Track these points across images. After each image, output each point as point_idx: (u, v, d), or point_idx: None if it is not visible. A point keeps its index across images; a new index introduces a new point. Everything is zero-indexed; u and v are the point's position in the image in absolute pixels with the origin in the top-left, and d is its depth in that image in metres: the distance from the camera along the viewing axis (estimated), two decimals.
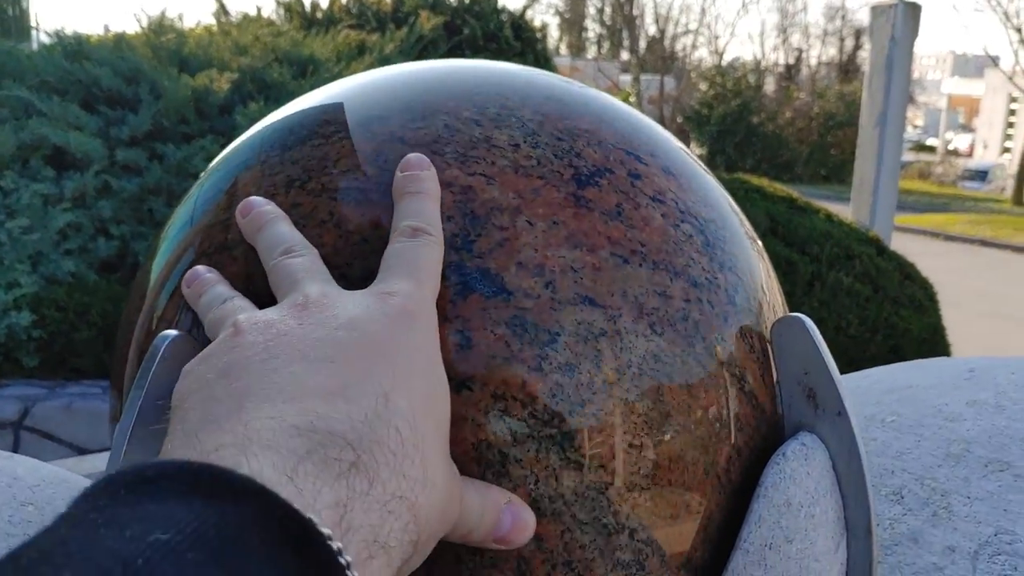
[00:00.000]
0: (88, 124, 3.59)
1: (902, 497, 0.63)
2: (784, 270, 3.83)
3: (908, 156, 27.01)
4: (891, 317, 3.77)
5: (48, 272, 3.39)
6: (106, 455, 1.17)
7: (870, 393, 0.76)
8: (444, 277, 0.43)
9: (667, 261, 0.46)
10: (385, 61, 4.59)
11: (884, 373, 0.80)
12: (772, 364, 0.50)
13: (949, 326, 4.01)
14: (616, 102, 0.57)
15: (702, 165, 0.58)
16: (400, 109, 0.50)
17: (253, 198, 0.46)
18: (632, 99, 25.96)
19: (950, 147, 31.48)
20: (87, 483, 0.61)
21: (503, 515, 0.40)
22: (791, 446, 0.47)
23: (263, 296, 0.43)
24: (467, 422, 0.41)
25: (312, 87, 2.74)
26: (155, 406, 0.43)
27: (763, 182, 4.53)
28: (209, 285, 0.44)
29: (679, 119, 24.51)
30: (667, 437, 0.44)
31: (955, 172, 23.67)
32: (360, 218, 0.45)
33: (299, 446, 0.32)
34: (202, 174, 0.57)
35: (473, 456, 0.41)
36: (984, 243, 13.71)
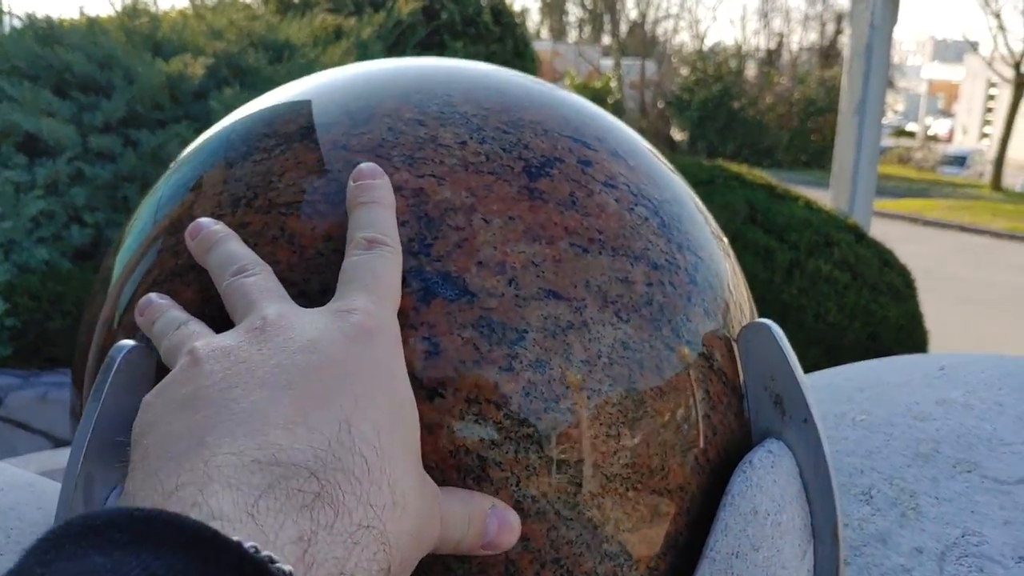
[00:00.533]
0: (61, 110, 3.54)
1: (871, 497, 0.62)
2: (763, 257, 3.84)
3: (888, 141, 27.15)
4: (869, 304, 3.78)
5: (21, 260, 3.35)
6: None
7: (842, 390, 0.76)
8: (405, 283, 0.42)
9: (626, 246, 0.46)
10: (363, 46, 4.56)
11: (856, 370, 0.79)
12: (739, 366, 0.49)
13: (926, 312, 4.03)
14: (559, 90, 0.56)
15: (653, 150, 0.57)
16: (341, 115, 0.49)
17: (201, 219, 0.45)
18: (613, 83, 25.94)
19: (929, 132, 31.67)
20: (53, 487, 0.60)
21: (489, 520, 0.39)
22: (758, 454, 0.46)
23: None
24: (442, 429, 0.40)
25: (288, 72, 2.72)
26: (112, 419, 0.41)
27: (742, 169, 4.54)
28: (162, 311, 0.43)
29: (660, 104, 24.51)
30: (643, 423, 0.43)
31: (934, 158, 23.82)
32: (312, 232, 0.44)
33: (261, 481, 0.31)
34: (160, 179, 0.56)
35: (452, 463, 0.40)
36: (963, 228, 13.81)
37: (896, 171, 22.02)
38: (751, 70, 24.61)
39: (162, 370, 0.42)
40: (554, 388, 0.42)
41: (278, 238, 0.44)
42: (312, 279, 0.43)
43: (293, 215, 0.45)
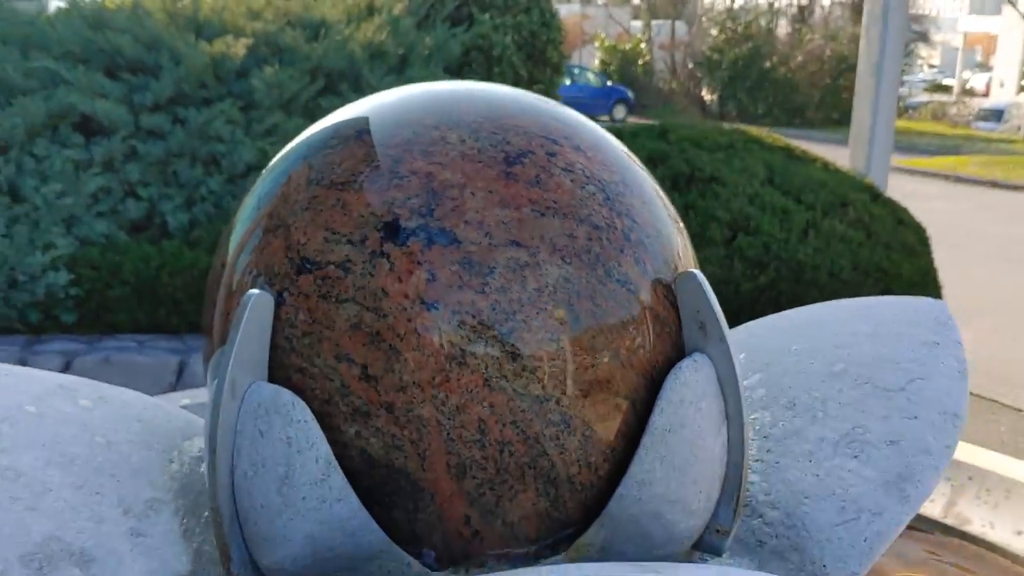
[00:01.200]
0: (112, 91, 3.77)
1: (794, 404, 0.83)
2: (780, 218, 4.00)
3: (922, 97, 26.74)
4: (883, 262, 3.93)
5: (82, 234, 3.60)
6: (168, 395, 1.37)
7: (787, 329, 0.96)
8: (415, 235, 0.63)
9: (573, 212, 0.66)
10: (394, 22, 4.73)
11: (800, 312, 0.99)
12: (676, 305, 0.70)
13: (953, 268, 4.14)
14: (547, 101, 0.76)
15: (622, 148, 0.76)
16: (380, 123, 0.70)
17: None
18: (643, 45, 25.73)
19: (967, 87, 31.10)
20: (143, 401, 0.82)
21: None
22: (686, 362, 0.67)
23: (310, 257, 0.63)
24: (437, 330, 0.61)
25: (324, 50, 2.93)
26: (247, 341, 0.63)
27: (762, 133, 4.67)
28: None
29: (690, 65, 24.35)
30: (577, 334, 0.64)
31: (969, 113, 23.46)
32: (356, 200, 0.65)
33: None
34: (263, 171, 0.76)
35: (442, 353, 0.61)
36: (995, 184, 13.72)
37: (930, 127, 21.76)
38: (782, 28, 24.29)
39: (278, 309, 0.63)
40: (512, 306, 0.62)
41: (335, 205, 0.65)
42: (355, 233, 0.64)
43: (346, 190, 0.66)
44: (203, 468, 0.80)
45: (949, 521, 1.48)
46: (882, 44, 4.40)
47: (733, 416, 0.68)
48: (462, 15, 5.50)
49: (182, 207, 3.82)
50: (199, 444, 0.85)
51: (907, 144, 18.43)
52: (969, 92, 29.64)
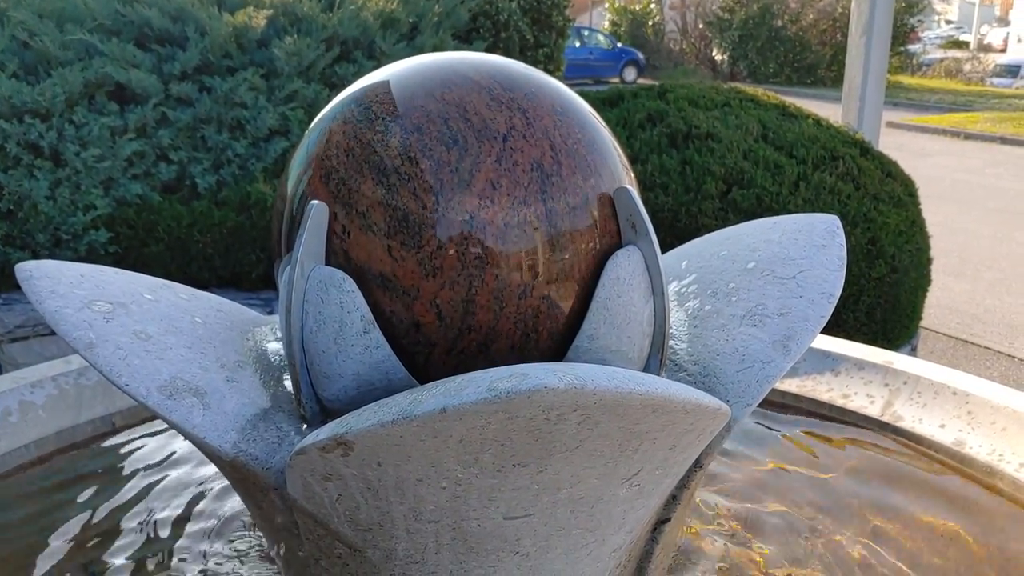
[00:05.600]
0: (144, 62, 4.02)
1: (716, 293, 1.09)
2: (773, 172, 4.23)
3: (937, 54, 26.58)
4: (870, 212, 4.16)
5: (119, 195, 3.88)
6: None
7: (719, 240, 1.22)
8: (426, 166, 0.88)
9: (546, 151, 0.91)
10: None
11: (731, 229, 1.25)
12: (615, 212, 0.95)
13: (960, 223, 4.35)
14: (539, 74, 1.01)
15: (591, 113, 1.02)
16: (395, 87, 0.95)
17: None
18: (653, 6, 25.64)
19: (984, 42, 30.84)
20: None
21: None
22: (621, 251, 0.93)
23: (349, 184, 0.89)
24: (444, 232, 0.87)
25: (339, 20, 3.22)
26: (309, 237, 0.89)
27: (757, 92, 4.89)
28: None
29: (700, 24, 24.30)
30: (546, 230, 0.89)
31: (985, 69, 23.37)
32: (383, 141, 0.91)
33: None
34: (310, 126, 1.02)
35: (449, 248, 0.86)
36: (1004, 140, 13.83)
37: (942, 84, 21.74)
38: None
39: (330, 220, 0.90)
40: (502, 214, 0.88)
41: (365, 147, 0.91)
42: (388, 162, 0.89)
43: (377, 134, 0.91)
44: (276, 336, 1.07)
45: (885, 418, 1.75)
46: (872, 2, 4.59)
47: (657, 292, 0.94)
48: None
49: (210, 169, 4.09)
50: (264, 330, 1.12)
51: (919, 101, 18.47)
52: (986, 48, 29.39)
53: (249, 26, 4.20)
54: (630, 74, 24.00)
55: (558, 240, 0.90)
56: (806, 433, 1.77)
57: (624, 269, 0.92)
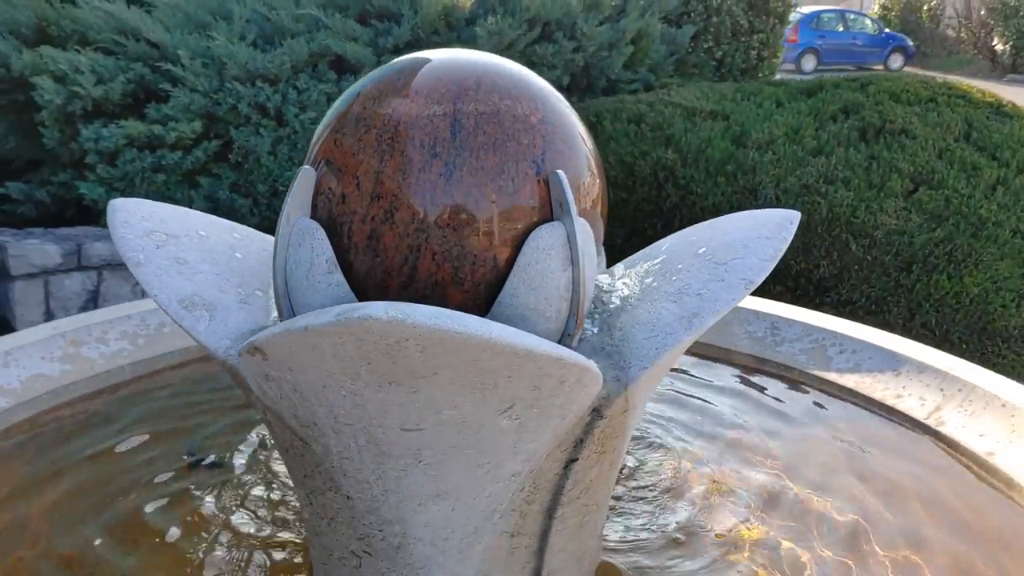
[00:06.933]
0: (362, 36, 4.47)
1: (666, 273, 1.22)
2: (968, 173, 4.02)
3: None
4: None
5: None
6: None
7: (701, 228, 1.33)
8: (405, 137, 1.08)
9: (519, 135, 1.09)
10: None
11: (720, 218, 1.35)
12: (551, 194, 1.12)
13: None
14: (522, 69, 1.19)
15: (567, 108, 1.18)
16: (398, 73, 1.16)
17: None
18: None
19: None
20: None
21: None
22: (545, 225, 1.09)
23: (344, 147, 1.12)
24: (415, 199, 1.08)
25: (543, 2, 3.52)
26: (297, 190, 1.12)
27: (971, 89, 4.62)
28: None
29: (983, 11, 22.39)
30: (493, 202, 1.07)
31: None
32: (405, 101, 1.11)
33: None
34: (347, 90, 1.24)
35: (416, 213, 1.07)
36: None
37: None
38: None
39: (318, 180, 1.13)
40: (463, 186, 1.06)
41: (385, 105, 1.12)
42: (370, 134, 1.10)
43: (400, 96, 1.12)
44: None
45: (929, 422, 1.77)
46: None
47: (575, 262, 1.09)
48: None
49: None
50: None
51: None
52: None
53: (457, 5, 4.53)
54: (896, 61, 22.60)
55: (507, 212, 1.08)
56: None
57: (544, 240, 1.09)
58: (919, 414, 1.78)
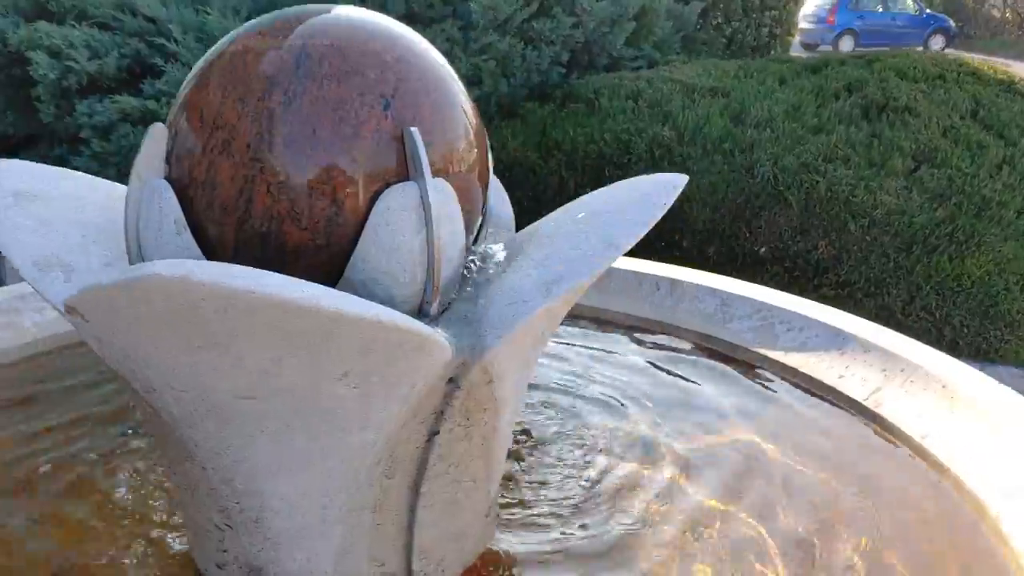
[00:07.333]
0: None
1: (542, 240, 1.16)
2: (973, 151, 3.90)
3: None
4: None
5: None
6: None
7: (593, 194, 1.27)
8: (264, 95, 1.04)
9: (366, 88, 1.04)
10: None
11: (616, 184, 1.29)
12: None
13: None
14: (407, 31, 1.14)
15: (442, 64, 1.13)
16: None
17: None
18: None
19: None
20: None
21: None
22: (397, 186, 1.04)
23: (216, 116, 1.08)
24: (269, 158, 1.03)
25: None
26: (147, 150, 1.08)
27: (983, 66, 4.47)
28: None
29: None
30: (362, 169, 1.02)
31: None
32: (245, 47, 1.07)
33: None
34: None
35: (272, 170, 1.02)
36: None
37: None
38: None
39: (171, 140, 1.08)
40: (308, 145, 1.02)
41: (238, 44, 1.08)
42: (236, 90, 1.05)
43: (255, 36, 1.08)
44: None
45: (868, 403, 1.71)
46: None
47: (428, 223, 1.04)
48: None
49: None
50: None
51: None
52: None
53: None
54: (937, 43, 22.04)
55: (348, 146, 1.03)
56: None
57: (395, 201, 1.03)
58: (860, 394, 1.71)
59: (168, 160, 1.10)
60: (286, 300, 0.83)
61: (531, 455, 1.59)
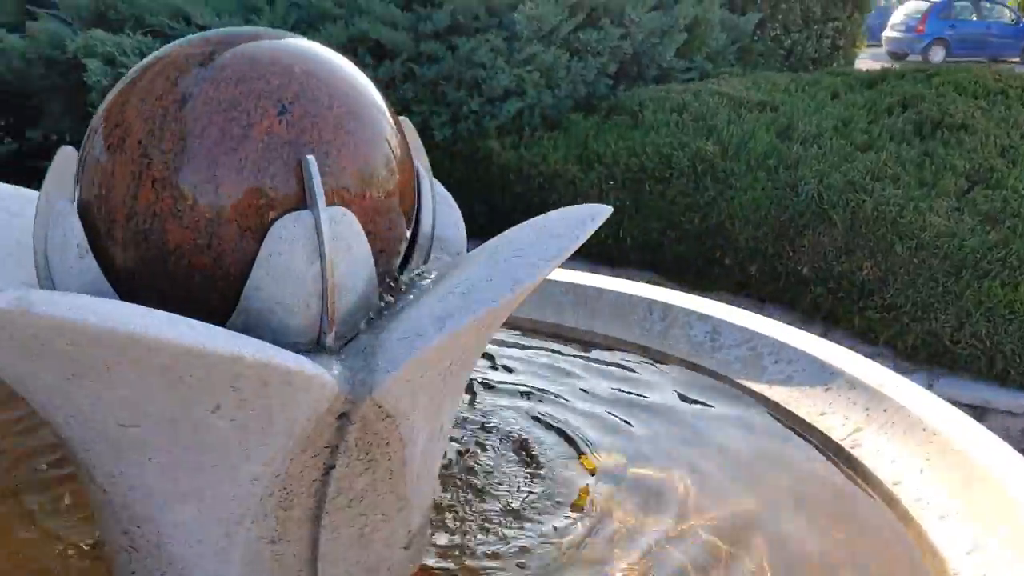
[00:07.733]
0: (402, 22, 4.44)
1: (455, 269, 1.13)
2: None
3: None
4: None
5: None
6: None
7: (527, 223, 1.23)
8: (186, 108, 1.03)
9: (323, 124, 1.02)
10: None
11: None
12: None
13: None
14: (335, 56, 1.12)
15: (368, 88, 1.11)
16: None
17: None
18: None
19: None
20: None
21: None
22: (290, 214, 1.02)
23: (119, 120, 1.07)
24: (174, 178, 1.02)
25: None
26: (56, 168, 1.09)
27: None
28: None
29: None
30: (219, 132, 1.00)
31: None
32: (163, 57, 1.07)
33: None
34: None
35: (171, 187, 1.02)
36: None
37: None
38: None
39: (81, 163, 1.08)
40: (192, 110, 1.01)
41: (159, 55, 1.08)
42: (159, 62, 1.05)
43: (177, 47, 1.07)
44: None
45: (845, 443, 1.62)
46: None
47: (323, 256, 1.01)
48: None
49: (448, 123, 4.43)
50: None
51: None
52: None
53: None
54: None
55: (235, 146, 1.02)
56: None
57: (288, 231, 1.01)
58: (839, 434, 1.63)
59: (77, 178, 1.10)
60: (133, 333, 0.82)
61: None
